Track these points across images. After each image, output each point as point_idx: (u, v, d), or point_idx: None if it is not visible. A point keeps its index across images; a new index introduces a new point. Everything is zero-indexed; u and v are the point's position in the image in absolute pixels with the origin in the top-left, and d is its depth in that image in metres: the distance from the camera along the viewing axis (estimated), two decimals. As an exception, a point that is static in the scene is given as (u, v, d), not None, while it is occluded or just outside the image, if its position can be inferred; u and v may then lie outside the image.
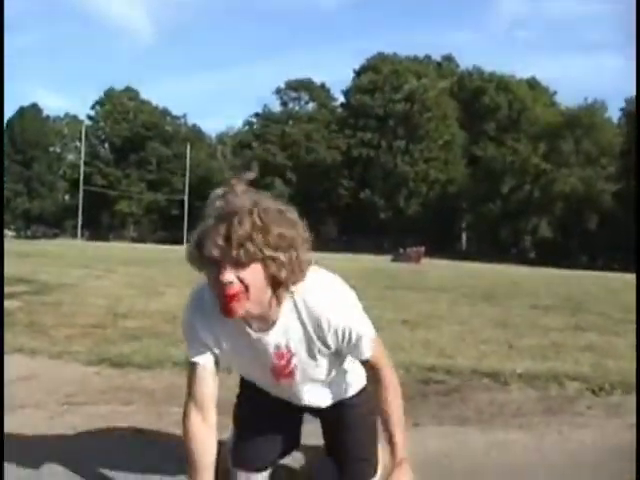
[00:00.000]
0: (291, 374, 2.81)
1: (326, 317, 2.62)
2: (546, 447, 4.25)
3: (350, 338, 2.67)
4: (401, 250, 45.35)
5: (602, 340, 8.44)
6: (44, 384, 5.34)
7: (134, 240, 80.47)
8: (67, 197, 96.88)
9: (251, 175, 2.58)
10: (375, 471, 3.19)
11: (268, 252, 2.40)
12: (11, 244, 33.15)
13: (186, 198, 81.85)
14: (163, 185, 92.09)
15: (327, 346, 2.70)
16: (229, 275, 2.39)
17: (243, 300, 2.44)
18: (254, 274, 2.42)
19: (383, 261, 36.03)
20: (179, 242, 63.11)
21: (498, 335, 8.43)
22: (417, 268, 29.72)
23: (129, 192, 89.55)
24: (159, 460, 3.70)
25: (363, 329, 2.70)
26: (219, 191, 2.49)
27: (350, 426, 3.06)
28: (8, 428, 3.91)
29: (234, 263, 2.38)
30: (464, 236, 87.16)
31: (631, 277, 26.58)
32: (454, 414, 4.90)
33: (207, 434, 2.80)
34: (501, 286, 17.42)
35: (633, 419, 4.85)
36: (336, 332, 2.64)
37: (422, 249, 43.04)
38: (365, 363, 2.79)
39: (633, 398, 5.34)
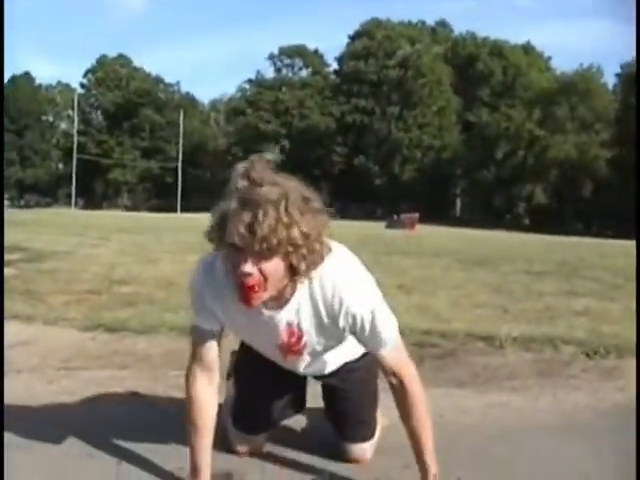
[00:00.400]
0: (299, 352, 2.80)
1: (339, 298, 2.57)
2: (540, 409, 4.28)
3: (363, 323, 2.60)
4: (395, 217, 45.37)
5: (596, 305, 8.46)
6: (40, 350, 5.35)
7: (128, 208, 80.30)
8: (60, 166, 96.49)
9: (271, 156, 2.50)
10: (373, 433, 3.21)
11: (291, 247, 2.35)
12: (5, 213, 33.07)
13: (179, 166, 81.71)
14: (156, 153, 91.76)
15: (339, 328, 2.64)
16: (250, 267, 2.36)
17: (261, 291, 2.43)
18: (275, 266, 2.39)
19: (377, 228, 36.00)
20: (173, 210, 63.19)
21: (493, 300, 8.44)
22: (411, 234, 29.71)
23: (122, 160, 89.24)
24: (160, 423, 3.72)
25: (380, 316, 2.62)
26: (243, 167, 2.40)
27: (350, 391, 3.06)
28: (5, 393, 3.92)
29: (256, 255, 2.35)
30: (458, 202, 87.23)
31: (625, 243, 26.63)
32: (449, 377, 4.92)
33: (210, 396, 2.81)
34: (495, 252, 17.42)
35: (626, 382, 4.89)
36: (347, 314, 2.58)
37: (416, 215, 43.02)
38: (386, 371, 2.72)
39: (626, 362, 5.38)
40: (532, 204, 75.51)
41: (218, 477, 2.87)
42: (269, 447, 3.35)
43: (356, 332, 2.64)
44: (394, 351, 2.69)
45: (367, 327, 2.60)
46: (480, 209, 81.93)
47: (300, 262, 2.42)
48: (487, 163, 75.65)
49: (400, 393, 2.71)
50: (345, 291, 2.56)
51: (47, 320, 6.19)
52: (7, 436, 3.28)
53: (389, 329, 2.66)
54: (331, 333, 2.69)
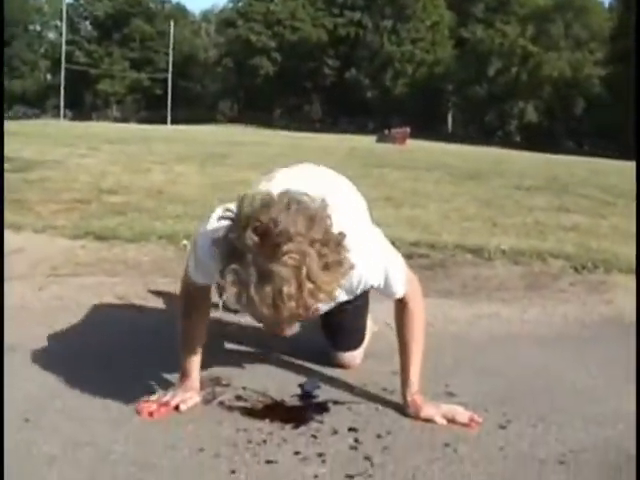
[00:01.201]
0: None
1: (357, 278, 2.47)
2: (529, 320, 4.31)
3: (379, 286, 2.57)
4: (386, 131, 44.98)
5: (586, 221, 8.48)
6: (29, 257, 5.33)
7: (117, 120, 79.29)
8: (49, 76, 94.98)
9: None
10: (363, 338, 3.24)
11: (320, 303, 2.16)
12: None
13: (170, 77, 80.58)
14: (146, 64, 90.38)
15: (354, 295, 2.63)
16: (285, 330, 2.27)
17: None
18: None
19: (368, 141, 35.79)
20: (163, 122, 62.59)
21: (482, 213, 8.45)
22: (402, 148, 29.56)
23: (111, 71, 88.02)
24: (149, 327, 3.74)
25: (392, 275, 2.56)
26: (256, 221, 2.03)
27: (348, 304, 3.04)
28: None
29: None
30: (450, 118, 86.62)
31: (616, 163, 26.64)
32: (438, 288, 4.94)
33: (203, 329, 2.83)
34: (486, 167, 17.37)
35: (613, 296, 4.93)
36: (365, 286, 2.55)
37: (407, 130, 42.69)
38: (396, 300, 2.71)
39: (614, 277, 5.42)
40: (524, 121, 75.11)
41: (207, 381, 2.89)
42: (259, 352, 3.38)
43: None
44: (404, 290, 2.66)
45: (382, 287, 2.58)
46: (472, 125, 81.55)
47: None
48: (479, 79, 74.97)
49: (401, 311, 2.73)
50: (360, 269, 2.38)
51: (36, 229, 6.16)
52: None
53: (401, 280, 2.62)
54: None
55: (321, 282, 2.03)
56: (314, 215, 2.06)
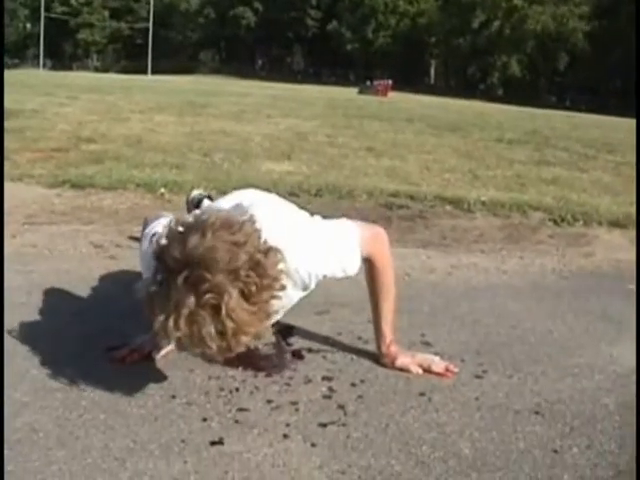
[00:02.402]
0: None
1: (306, 274, 2.40)
2: (507, 271, 4.30)
3: (334, 274, 2.50)
4: (368, 82, 44.75)
5: (566, 174, 8.48)
6: (5, 205, 5.26)
7: (98, 70, 78.51)
8: (28, 25, 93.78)
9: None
10: None
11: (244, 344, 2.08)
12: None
13: (150, 26, 79.63)
14: (127, 13, 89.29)
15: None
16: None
17: None
18: None
19: (350, 93, 35.61)
20: (143, 72, 61.92)
21: (463, 165, 8.42)
22: (384, 100, 29.42)
23: (91, 20, 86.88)
24: (121, 275, 3.70)
25: (344, 260, 2.50)
26: (174, 257, 1.99)
27: None
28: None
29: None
30: (432, 71, 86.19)
31: (598, 117, 26.64)
32: (417, 238, 4.92)
33: None
34: (467, 119, 17.34)
35: (592, 249, 4.93)
36: (317, 277, 2.45)
37: (389, 82, 42.42)
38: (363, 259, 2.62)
39: (593, 230, 5.44)
40: (507, 75, 74.81)
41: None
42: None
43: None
44: (357, 267, 2.57)
45: (335, 273, 2.51)
46: (454, 78, 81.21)
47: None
48: (463, 31, 74.48)
49: (370, 270, 2.66)
50: (307, 264, 2.37)
51: (12, 177, 6.08)
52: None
53: (352, 260, 2.52)
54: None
55: (242, 322, 1.97)
56: (237, 241, 2.00)
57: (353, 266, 2.51)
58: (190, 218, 2.09)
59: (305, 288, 2.46)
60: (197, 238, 1.97)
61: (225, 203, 2.59)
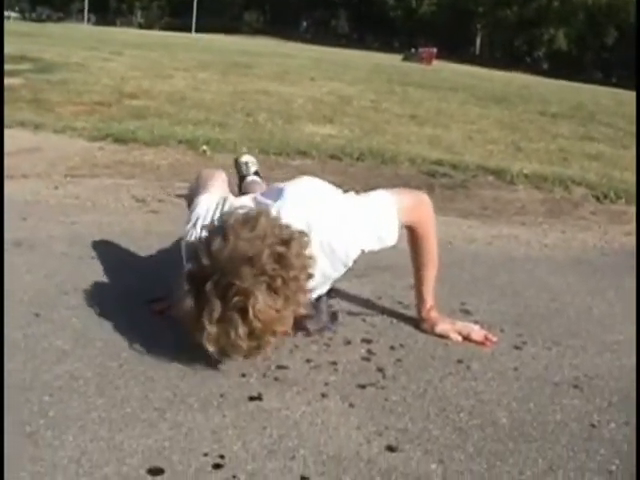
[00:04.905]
0: None
1: (344, 252, 2.40)
2: (548, 244, 4.26)
3: (372, 248, 2.48)
4: (412, 50, 44.40)
5: (610, 151, 8.39)
6: (48, 157, 5.31)
7: (141, 26, 78.49)
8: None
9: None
10: None
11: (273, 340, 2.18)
12: (14, 25, 32.42)
13: (196, -17, 79.46)
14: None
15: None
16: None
17: None
18: None
19: (394, 59, 35.35)
20: (187, 30, 61.84)
21: (506, 137, 8.36)
22: (428, 68, 29.19)
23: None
24: (164, 230, 3.71)
25: (382, 233, 2.47)
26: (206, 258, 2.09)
27: None
28: (10, 194, 3.92)
29: None
30: (478, 42, 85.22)
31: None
32: (459, 207, 4.90)
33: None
34: (512, 91, 17.17)
35: (633, 227, 4.87)
36: (355, 251, 2.44)
37: (434, 50, 42.03)
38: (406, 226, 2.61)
39: (635, 208, 5.35)
40: (553, 48, 73.90)
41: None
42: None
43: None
44: (396, 237, 2.54)
45: (375, 247, 2.50)
46: (500, 50, 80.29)
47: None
48: (510, 2, 73.54)
49: (413, 237, 2.64)
50: (342, 241, 2.38)
51: (55, 129, 6.13)
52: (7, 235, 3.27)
53: (391, 232, 2.50)
54: None
55: (270, 322, 2.05)
56: (256, 236, 2.08)
57: (391, 238, 2.50)
58: (215, 221, 2.23)
59: (345, 265, 2.46)
60: (220, 242, 2.07)
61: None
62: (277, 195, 2.46)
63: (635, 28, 46.42)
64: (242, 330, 2.02)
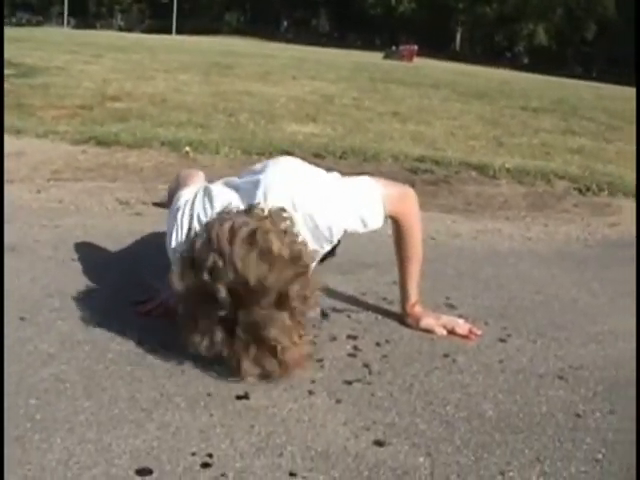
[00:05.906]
0: None
1: (327, 229, 2.41)
2: (531, 237, 4.29)
3: (356, 229, 2.50)
4: (393, 47, 44.40)
5: (592, 144, 8.43)
6: (30, 161, 5.29)
7: (122, 29, 78.30)
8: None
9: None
10: None
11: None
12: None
13: (175, -15, 79.30)
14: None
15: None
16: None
17: None
18: None
19: (375, 57, 35.35)
20: (167, 32, 61.69)
21: (488, 132, 8.38)
22: (409, 65, 29.21)
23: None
24: (147, 232, 3.71)
25: (366, 214, 2.48)
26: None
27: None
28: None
29: None
30: (458, 38, 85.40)
31: (624, 89, 26.35)
32: (442, 203, 4.91)
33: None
34: (493, 86, 17.20)
35: (617, 219, 4.91)
36: (339, 231, 2.46)
37: (415, 47, 42.08)
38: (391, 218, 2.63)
39: (618, 200, 5.40)
40: (533, 44, 74.11)
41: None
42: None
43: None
44: (381, 221, 2.56)
45: (358, 227, 2.50)
46: (480, 46, 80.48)
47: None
48: (489, -2, 73.78)
49: (397, 228, 2.66)
50: (327, 218, 2.39)
51: (38, 133, 6.10)
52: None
53: (375, 214, 2.51)
54: None
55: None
56: (252, 230, 2.07)
57: (374, 220, 2.50)
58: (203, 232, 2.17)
59: (329, 241, 2.47)
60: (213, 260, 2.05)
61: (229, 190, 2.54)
62: (258, 177, 2.45)
63: (635, 27, 46.31)
64: (274, 363, 2.08)
